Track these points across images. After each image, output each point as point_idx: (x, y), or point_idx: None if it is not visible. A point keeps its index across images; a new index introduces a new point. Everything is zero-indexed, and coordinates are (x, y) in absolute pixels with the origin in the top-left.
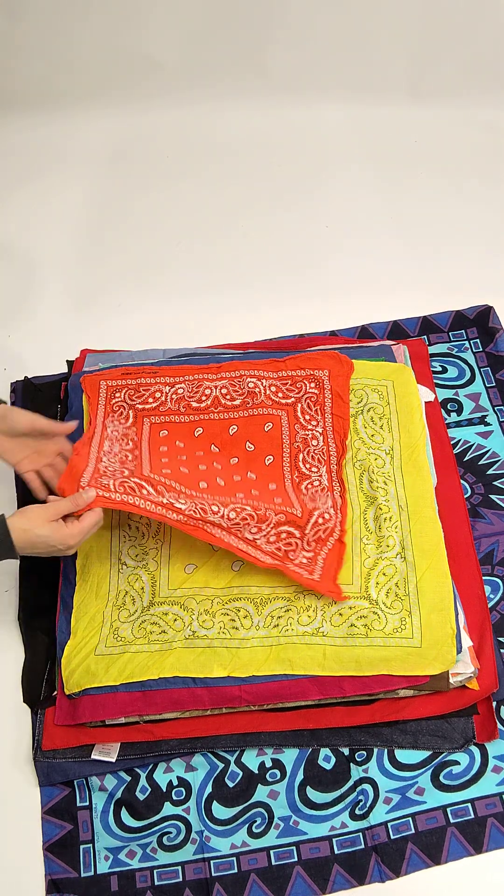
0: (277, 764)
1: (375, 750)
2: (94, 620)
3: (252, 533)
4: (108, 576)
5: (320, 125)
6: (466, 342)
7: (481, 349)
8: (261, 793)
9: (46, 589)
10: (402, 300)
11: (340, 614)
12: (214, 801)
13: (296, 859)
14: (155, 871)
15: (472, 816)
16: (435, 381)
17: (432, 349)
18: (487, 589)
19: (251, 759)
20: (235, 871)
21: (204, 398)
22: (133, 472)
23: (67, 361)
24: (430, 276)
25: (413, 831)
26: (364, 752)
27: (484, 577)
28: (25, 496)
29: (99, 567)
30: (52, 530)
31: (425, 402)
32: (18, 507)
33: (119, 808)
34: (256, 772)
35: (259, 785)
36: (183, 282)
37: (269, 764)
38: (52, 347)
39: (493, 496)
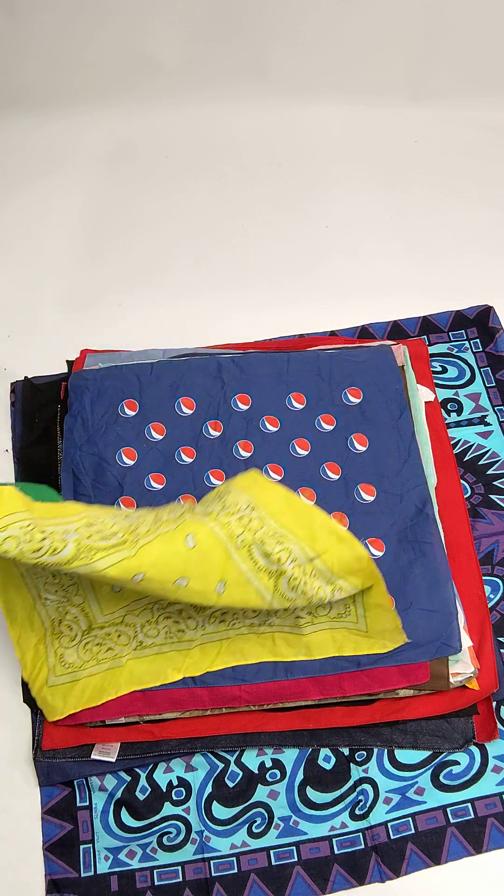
0: (277, 764)
1: (375, 750)
2: (38, 651)
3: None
4: (34, 608)
5: (320, 126)
6: (466, 342)
7: (481, 349)
8: (261, 793)
9: None
10: (402, 300)
11: (286, 609)
12: (214, 801)
13: (296, 859)
14: (155, 871)
15: (472, 816)
16: (435, 381)
17: (432, 349)
18: (487, 589)
19: (251, 759)
20: (235, 871)
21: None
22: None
23: (67, 361)
24: (430, 277)
25: (413, 831)
26: (364, 752)
27: (484, 577)
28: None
29: (22, 602)
30: None
31: (425, 402)
32: None
33: (119, 808)
34: (256, 772)
35: (259, 785)
36: (183, 282)
37: (269, 764)
38: (52, 347)
39: (493, 496)
